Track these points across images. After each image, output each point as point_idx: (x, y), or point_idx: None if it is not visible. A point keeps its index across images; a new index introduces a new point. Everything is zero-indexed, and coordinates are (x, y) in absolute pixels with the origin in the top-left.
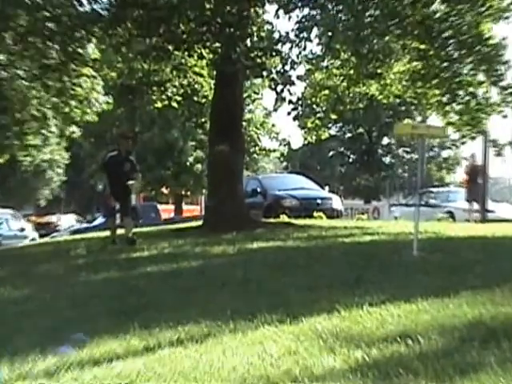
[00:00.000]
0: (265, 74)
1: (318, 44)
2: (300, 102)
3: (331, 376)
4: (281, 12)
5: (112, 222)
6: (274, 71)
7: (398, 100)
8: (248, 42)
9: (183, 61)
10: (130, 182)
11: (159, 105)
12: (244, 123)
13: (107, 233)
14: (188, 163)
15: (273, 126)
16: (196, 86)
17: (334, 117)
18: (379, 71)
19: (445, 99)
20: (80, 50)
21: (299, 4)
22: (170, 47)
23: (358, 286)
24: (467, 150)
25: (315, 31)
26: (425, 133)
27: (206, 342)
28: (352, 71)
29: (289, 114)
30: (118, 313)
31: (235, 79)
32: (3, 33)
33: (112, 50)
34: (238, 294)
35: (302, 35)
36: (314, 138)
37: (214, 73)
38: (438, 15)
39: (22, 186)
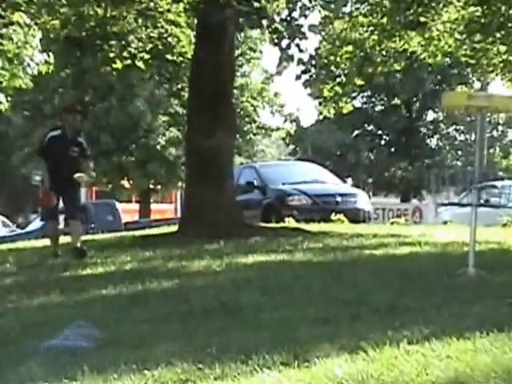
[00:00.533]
0: (265, 23)
1: None
2: (313, 62)
3: None
4: None
5: (53, 226)
6: (277, 19)
7: (448, 60)
8: None
9: (152, 4)
10: (78, 175)
11: (119, 65)
12: (236, 91)
13: (46, 242)
14: (158, 146)
15: (275, 95)
16: (170, 39)
17: (359, 82)
18: (423, 19)
19: None
20: None
21: None
22: None
23: (392, 317)
24: None
25: None
26: (485, 105)
27: None
28: (385, 20)
29: (298, 78)
30: (61, 351)
31: (224, 31)
32: None
33: None
34: (226, 327)
35: None
36: (332, 111)
37: (195, 21)
38: None
39: None
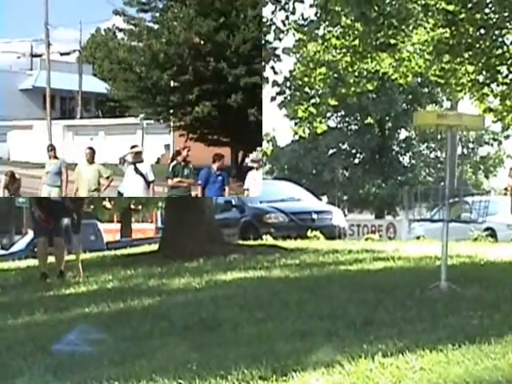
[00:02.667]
0: None
1: (312, 5)
2: (288, 84)
3: None
4: None
5: (44, 245)
6: None
7: (418, 80)
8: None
9: None
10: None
11: None
12: None
13: (30, 262)
14: None
15: None
16: None
17: (333, 103)
18: (393, 41)
19: (481, 78)
20: None
21: None
22: None
23: (367, 330)
24: None
25: None
26: (455, 123)
27: None
28: (357, 42)
29: (273, 99)
30: (44, 369)
31: None
32: None
33: None
34: (205, 343)
35: None
36: (307, 131)
37: None
38: None
39: None
